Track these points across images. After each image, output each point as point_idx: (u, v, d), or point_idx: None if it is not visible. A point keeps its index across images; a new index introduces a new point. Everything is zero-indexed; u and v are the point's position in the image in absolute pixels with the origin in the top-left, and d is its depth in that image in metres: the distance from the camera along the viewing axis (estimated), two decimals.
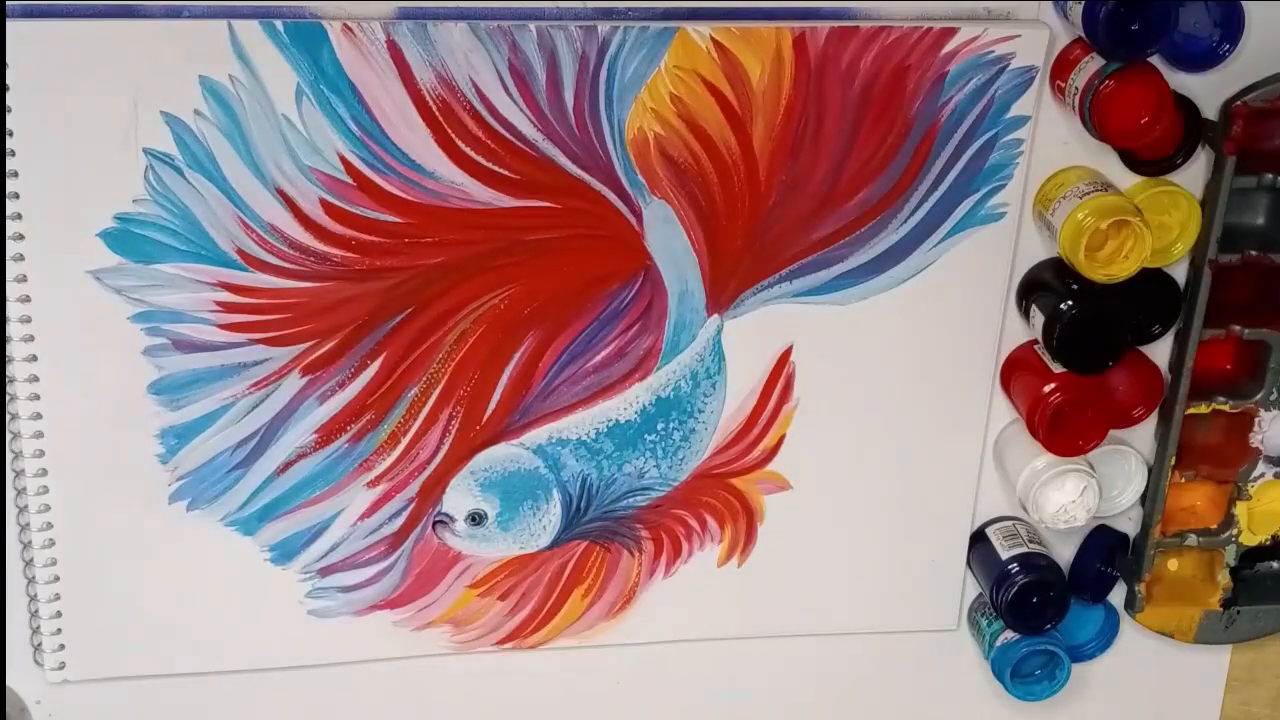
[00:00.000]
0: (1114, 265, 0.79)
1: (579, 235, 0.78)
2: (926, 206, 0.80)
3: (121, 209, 0.74)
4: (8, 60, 0.71)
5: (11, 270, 0.75)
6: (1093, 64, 0.76)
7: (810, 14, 0.76)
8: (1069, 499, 0.85)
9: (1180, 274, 0.84)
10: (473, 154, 0.76)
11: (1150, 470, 0.88)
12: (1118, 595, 0.92)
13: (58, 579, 0.81)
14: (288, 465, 0.81)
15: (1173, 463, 0.87)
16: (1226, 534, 0.89)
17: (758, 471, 0.86)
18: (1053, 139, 0.80)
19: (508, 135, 0.76)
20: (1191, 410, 0.86)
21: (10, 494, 0.80)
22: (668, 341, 0.82)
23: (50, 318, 0.76)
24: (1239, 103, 0.79)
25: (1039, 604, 0.87)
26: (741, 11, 0.76)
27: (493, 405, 0.82)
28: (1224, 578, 0.90)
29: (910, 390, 0.85)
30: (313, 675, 0.87)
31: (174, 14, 0.72)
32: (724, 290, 0.81)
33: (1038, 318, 0.81)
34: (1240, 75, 0.79)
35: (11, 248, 0.74)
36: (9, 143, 0.72)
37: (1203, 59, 0.79)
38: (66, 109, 0.72)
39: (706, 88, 0.76)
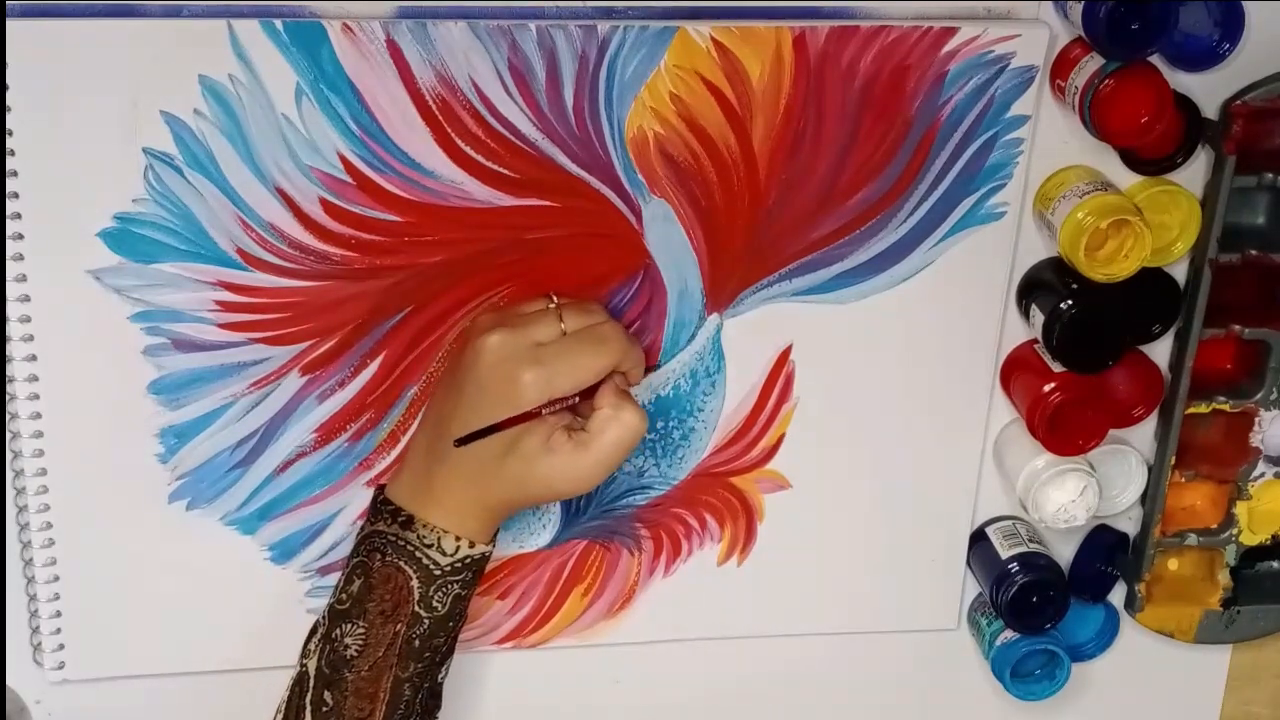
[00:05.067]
0: (1114, 265, 0.79)
1: (578, 234, 0.78)
2: (926, 206, 0.80)
3: (121, 209, 0.74)
4: (8, 60, 0.71)
5: (11, 270, 0.75)
6: (1093, 63, 0.76)
7: (810, 13, 0.76)
8: (1069, 498, 0.85)
9: (1180, 274, 0.84)
10: (472, 153, 0.76)
11: (1150, 470, 0.88)
12: (1118, 595, 0.92)
13: (58, 579, 0.81)
14: (287, 464, 0.81)
15: (1173, 462, 0.86)
16: (1226, 534, 0.89)
17: (757, 470, 0.86)
18: (1053, 138, 0.80)
19: (507, 134, 0.75)
20: (1191, 410, 0.86)
21: (10, 494, 0.80)
22: (667, 340, 0.82)
23: (50, 318, 0.76)
24: (1239, 102, 0.79)
25: (1039, 604, 0.87)
26: (741, 11, 0.76)
27: None
28: (1224, 577, 0.90)
29: (910, 390, 0.85)
30: None
31: (174, 14, 0.72)
32: (723, 289, 0.81)
33: (1037, 317, 0.81)
34: (1240, 75, 0.79)
35: (11, 248, 0.74)
36: (9, 143, 0.72)
37: (1203, 59, 0.79)
38: (66, 109, 0.72)
39: (706, 87, 0.76)
